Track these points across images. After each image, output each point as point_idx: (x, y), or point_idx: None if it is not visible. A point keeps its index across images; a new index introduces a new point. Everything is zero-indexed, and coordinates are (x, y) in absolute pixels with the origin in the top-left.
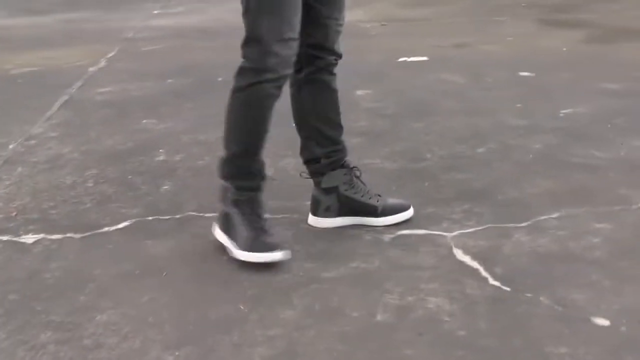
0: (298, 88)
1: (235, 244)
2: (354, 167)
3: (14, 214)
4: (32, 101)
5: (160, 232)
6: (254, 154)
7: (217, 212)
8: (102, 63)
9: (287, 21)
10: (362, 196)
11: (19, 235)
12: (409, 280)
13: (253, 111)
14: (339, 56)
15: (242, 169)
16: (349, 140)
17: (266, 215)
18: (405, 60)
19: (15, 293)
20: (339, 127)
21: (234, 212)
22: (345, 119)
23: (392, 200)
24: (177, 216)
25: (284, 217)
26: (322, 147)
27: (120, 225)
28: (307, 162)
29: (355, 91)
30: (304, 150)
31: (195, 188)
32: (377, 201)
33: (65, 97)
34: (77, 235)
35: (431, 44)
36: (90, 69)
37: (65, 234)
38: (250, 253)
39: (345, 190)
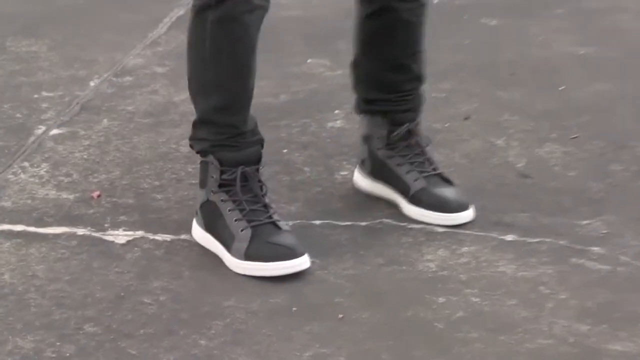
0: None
1: (226, 247)
2: (410, 123)
3: (96, 194)
4: (128, 13)
5: (336, 246)
6: (241, 106)
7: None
8: None
9: None
10: (398, 165)
11: (103, 230)
12: None
13: (234, 38)
14: None
15: (226, 130)
16: None
17: (269, 201)
18: None
19: (94, 323)
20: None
21: (218, 199)
22: None
23: (443, 190)
24: (363, 223)
25: (541, 242)
26: (377, 92)
27: None
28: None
29: None
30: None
31: None
32: (416, 180)
33: (180, 11)
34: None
35: None
36: None
37: (177, 234)
38: (251, 263)
39: (378, 148)
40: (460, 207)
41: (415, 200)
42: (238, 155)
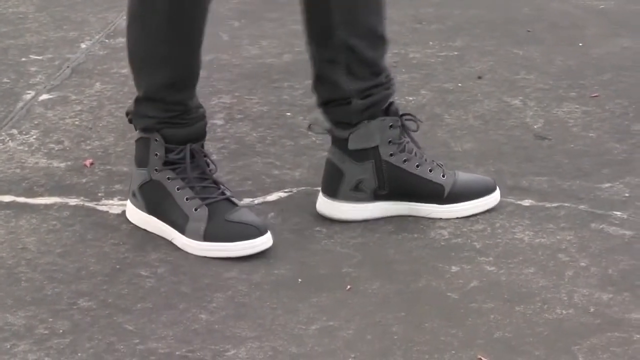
0: None
1: (177, 228)
2: (405, 114)
3: (89, 162)
4: None
5: None
6: (191, 82)
7: (132, 183)
8: None
9: None
10: (417, 166)
11: (97, 200)
12: None
13: (184, 9)
14: None
15: (174, 107)
16: None
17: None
18: None
19: (89, 298)
20: (381, 41)
21: (164, 177)
22: None
23: (464, 175)
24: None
25: (559, 207)
26: (356, 79)
27: (271, 197)
28: (325, 103)
29: None
30: (321, 82)
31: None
32: (443, 175)
33: None
34: None
35: None
36: None
37: None
38: (211, 244)
39: (391, 155)
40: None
41: (453, 197)
42: (185, 132)
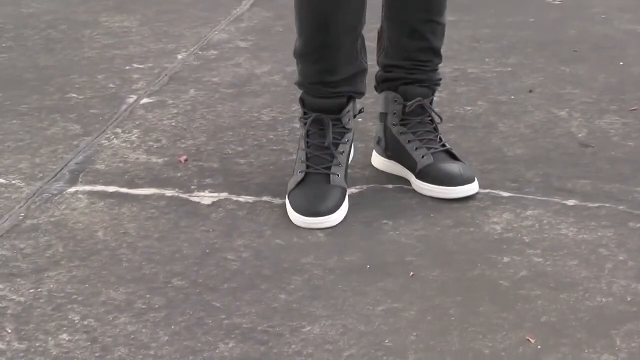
0: None
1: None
2: (418, 99)
3: (183, 158)
4: None
5: (407, 208)
6: (320, 57)
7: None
8: None
9: None
10: (409, 142)
11: (190, 192)
12: None
13: None
14: None
15: (307, 73)
16: None
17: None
18: None
19: (182, 277)
20: (418, 36)
21: (301, 134)
22: None
23: (448, 166)
24: None
25: (600, 207)
26: (386, 56)
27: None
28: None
29: None
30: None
31: (474, 139)
32: (423, 156)
33: None
34: (278, 201)
35: None
36: None
37: (259, 196)
38: (287, 203)
39: (394, 125)
40: (465, 181)
41: (422, 175)
42: (315, 102)
